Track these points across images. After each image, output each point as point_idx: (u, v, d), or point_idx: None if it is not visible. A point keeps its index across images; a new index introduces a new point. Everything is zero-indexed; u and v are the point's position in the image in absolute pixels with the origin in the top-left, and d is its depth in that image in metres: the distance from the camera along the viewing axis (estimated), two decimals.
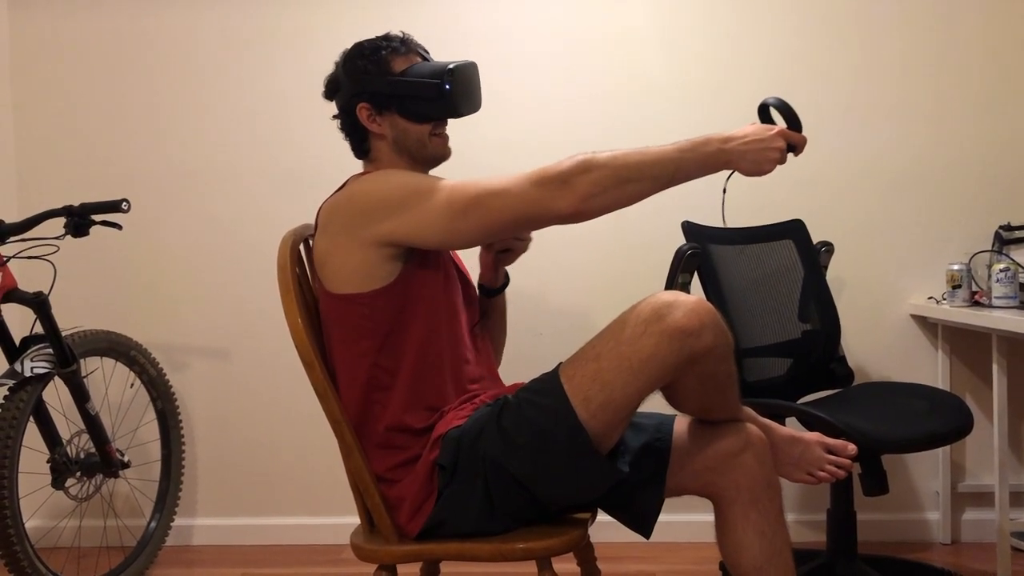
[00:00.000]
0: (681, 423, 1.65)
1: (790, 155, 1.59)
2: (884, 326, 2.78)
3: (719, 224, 2.29)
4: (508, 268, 1.90)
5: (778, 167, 1.58)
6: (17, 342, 2.30)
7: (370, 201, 1.58)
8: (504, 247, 1.84)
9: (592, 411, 1.46)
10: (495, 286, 1.88)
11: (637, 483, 1.58)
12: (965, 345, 2.73)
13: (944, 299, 2.63)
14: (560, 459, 1.49)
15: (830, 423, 2.00)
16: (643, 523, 1.61)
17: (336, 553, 2.74)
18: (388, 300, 1.60)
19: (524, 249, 1.86)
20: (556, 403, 1.48)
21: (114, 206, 2.24)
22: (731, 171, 1.59)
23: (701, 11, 2.80)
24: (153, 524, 2.69)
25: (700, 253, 2.27)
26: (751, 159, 1.54)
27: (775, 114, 1.64)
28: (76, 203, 2.30)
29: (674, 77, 2.80)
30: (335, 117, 1.76)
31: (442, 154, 1.74)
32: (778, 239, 2.51)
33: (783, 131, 1.57)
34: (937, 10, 2.76)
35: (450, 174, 1.78)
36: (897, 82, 2.77)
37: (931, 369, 2.75)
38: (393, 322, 1.61)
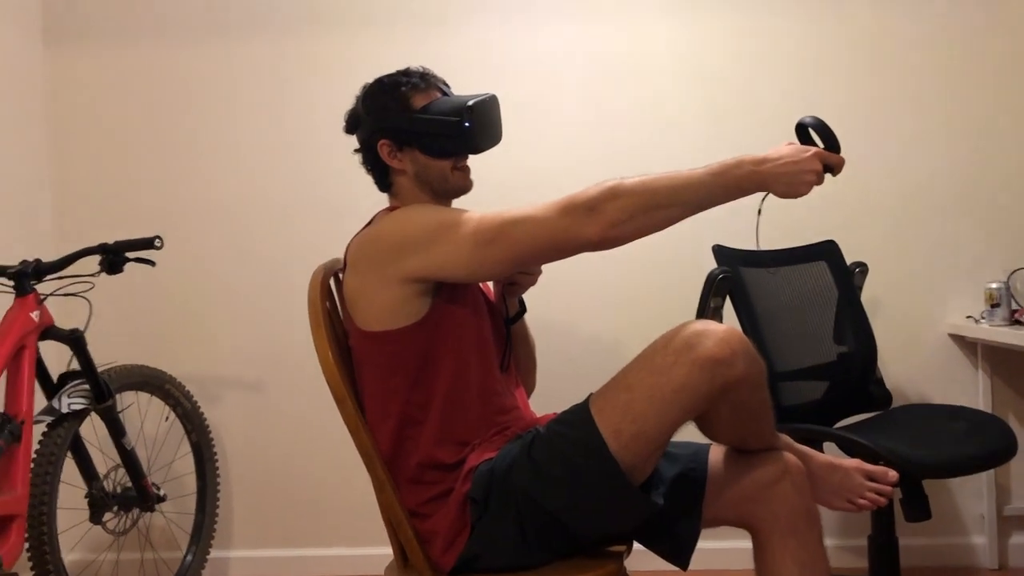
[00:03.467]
0: (716, 452, 1.63)
1: (828, 176, 1.55)
2: (921, 347, 2.73)
3: (751, 246, 2.28)
4: (525, 297, 1.89)
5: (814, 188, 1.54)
6: (55, 378, 2.33)
7: (397, 238, 1.58)
8: (510, 280, 1.82)
9: (624, 443, 1.45)
10: (507, 317, 1.85)
11: (673, 514, 1.56)
12: (1006, 365, 2.67)
13: (983, 318, 2.58)
14: (593, 492, 1.47)
15: (869, 448, 1.96)
16: (680, 555, 1.59)
17: None
18: (418, 336, 1.60)
19: (532, 283, 1.84)
20: (587, 436, 1.47)
21: (147, 243, 2.27)
22: (766, 194, 1.55)
23: (730, 35, 2.79)
24: (189, 557, 2.70)
25: (732, 277, 2.25)
26: (786, 181, 1.51)
27: (813, 135, 1.60)
28: (111, 240, 2.32)
29: (701, 102, 2.79)
30: (356, 151, 1.77)
31: (464, 187, 1.75)
32: (811, 261, 2.48)
33: (820, 152, 1.54)
34: (967, 27, 2.73)
35: (474, 202, 1.79)
36: (928, 99, 2.74)
37: (971, 390, 2.70)
38: (423, 358, 1.60)
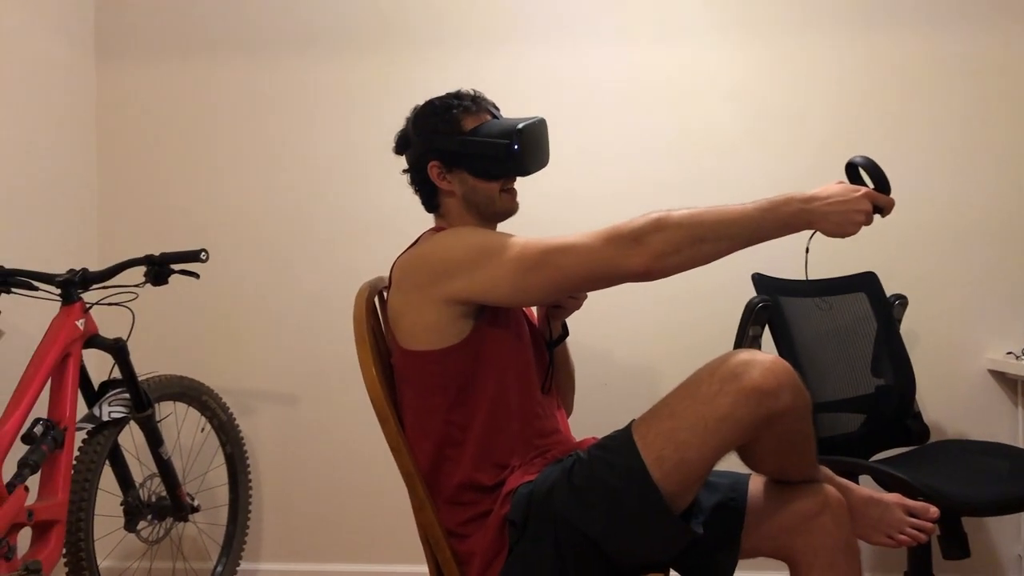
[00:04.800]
0: (756, 483, 1.62)
1: (876, 217, 1.55)
2: (961, 382, 2.70)
3: (792, 276, 2.27)
4: (568, 321, 1.90)
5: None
6: (96, 386, 2.36)
7: (442, 260, 1.60)
8: (555, 303, 1.83)
9: (666, 471, 1.44)
10: (549, 339, 1.85)
11: (711, 544, 1.55)
12: None
13: None
14: (633, 519, 1.47)
15: (908, 483, 1.94)
16: None
17: None
18: (460, 357, 1.61)
19: (576, 307, 1.85)
20: (629, 462, 1.47)
21: (193, 256, 2.29)
22: (813, 231, 1.54)
23: (769, 61, 2.79)
24: (220, 568, 2.71)
25: (771, 306, 2.24)
26: (835, 220, 1.50)
27: (863, 174, 1.59)
28: (155, 252, 2.35)
29: (742, 127, 2.79)
30: (405, 172, 1.79)
31: (511, 209, 1.76)
32: (850, 292, 2.47)
33: (869, 192, 1.53)
34: (1011, 54, 2.71)
35: (517, 225, 1.80)
36: (972, 129, 2.72)
37: (1011, 427, 2.66)
38: (464, 378, 1.61)
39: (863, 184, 1.58)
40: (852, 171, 1.61)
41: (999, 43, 2.73)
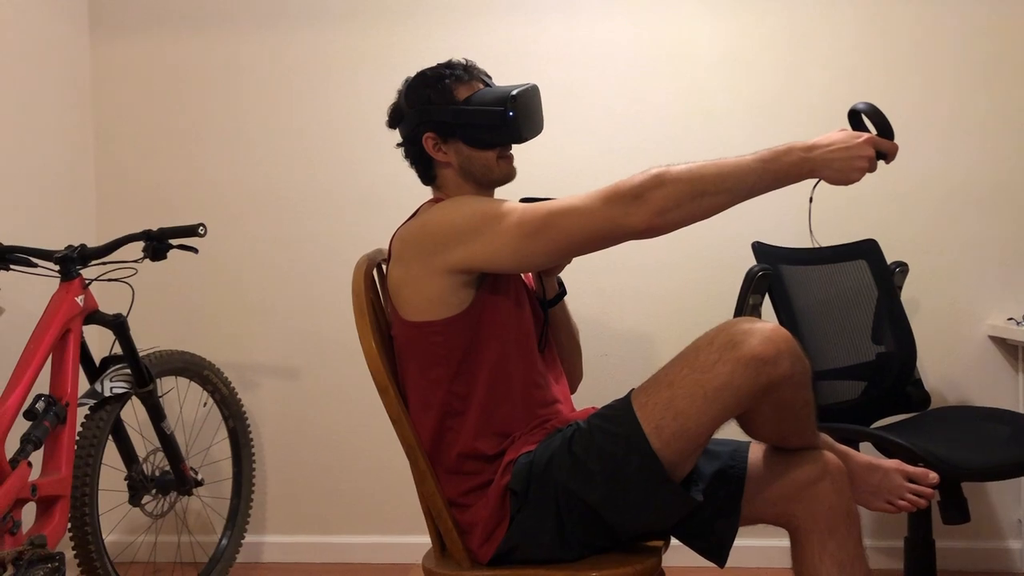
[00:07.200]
0: (756, 450, 1.62)
1: (880, 163, 1.53)
2: (961, 348, 2.70)
3: (800, 240, 2.25)
4: (563, 279, 1.88)
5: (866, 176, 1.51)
6: (97, 362, 2.37)
7: (443, 229, 1.59)
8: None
9: (665, 439, 1.45)
10: (544, 299, 1.82)
11: (711, 511, 1.56)
12: None
13: None
14: (633, 488, 1.48)
15: (908, 449, 1.95)
16: (717, 552, 1.58)
17: (404, 572, 2.75)
18: (462, 327, 1.60)
19: (567, 263, 1.82)
20: (628, 431, 1.47)
21: (191, 231, 2.29)
22: (817, 180, 1.52)
23: (767, 30, 2.76)
24: (224, 541, 2.73)
25: (771, 274, 2.24)
26: (837, 167, 1.48)
27: (866, 121, 1.57)
28: (153, 227, 2.35)
29: (740, 97, 2.76)
30: (399, 145, 1.78)
31: (508, 176, 1.75)
32: (851, 259, 2.46)
33: (872, 138, 1.51)
34: (1012, 22, 2.68)
35: (514, 193, 1.79)
36: (971, 95, 2.70)
37: (1012, 393, 2.66)
38: (466, 348, 1.61)
39: (866, 131, 1.56)
40: (855, 118, 1.59)
41: (997, 7, 2.69)
